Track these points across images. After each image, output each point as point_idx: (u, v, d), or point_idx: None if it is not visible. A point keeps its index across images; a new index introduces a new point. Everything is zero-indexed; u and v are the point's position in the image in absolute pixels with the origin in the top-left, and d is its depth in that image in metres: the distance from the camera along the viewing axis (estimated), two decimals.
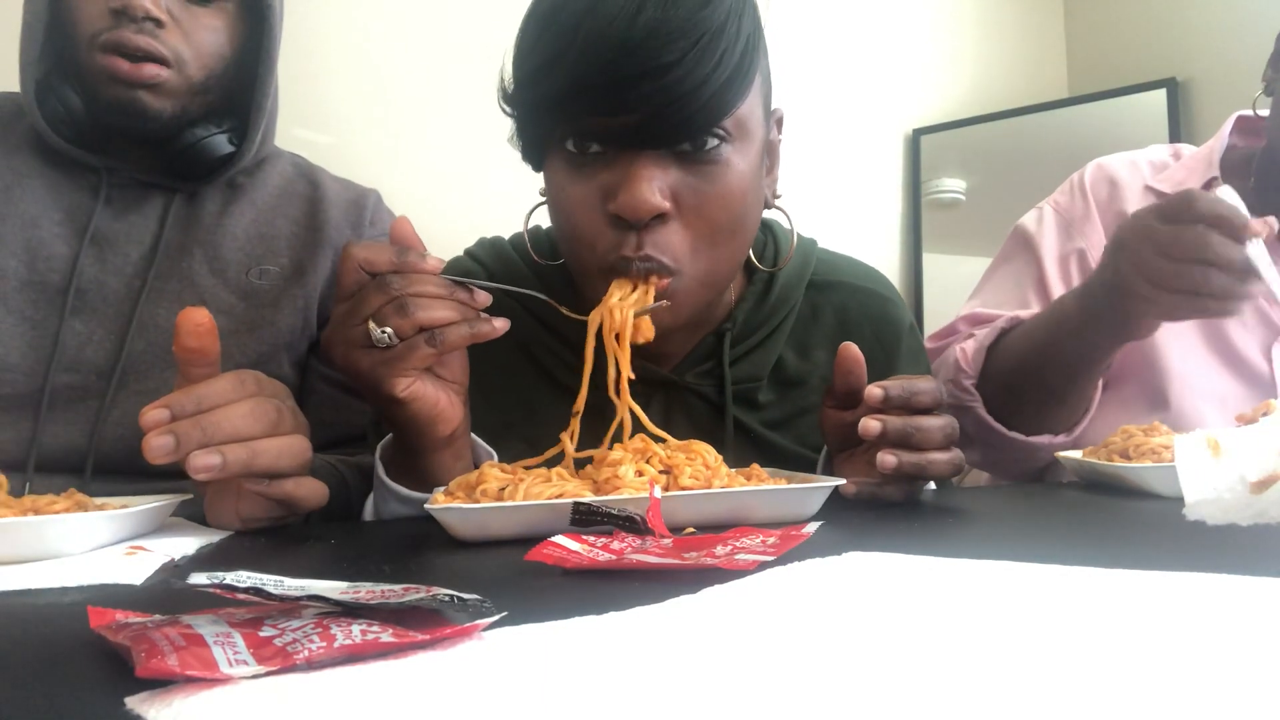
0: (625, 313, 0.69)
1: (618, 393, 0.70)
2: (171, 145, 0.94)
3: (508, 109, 0.74)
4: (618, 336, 0.70)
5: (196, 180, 0.97)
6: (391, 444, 0.74)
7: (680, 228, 0.70)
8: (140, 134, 0.92)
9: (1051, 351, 0.96)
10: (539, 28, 0.68)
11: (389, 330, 0.63)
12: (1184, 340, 1.07)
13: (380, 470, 0.73)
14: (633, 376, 0.69)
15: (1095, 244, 1.14)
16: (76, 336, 0.90)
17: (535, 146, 0.75)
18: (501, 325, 0.67)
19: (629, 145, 0.68)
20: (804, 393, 0.86)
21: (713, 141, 0.69)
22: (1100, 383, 1.03)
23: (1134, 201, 1.15)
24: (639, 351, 0.76)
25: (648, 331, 0.71)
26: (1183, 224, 0.80)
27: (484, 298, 0.66)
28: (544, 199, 0.78)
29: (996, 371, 1.01)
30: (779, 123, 0.83)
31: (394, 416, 0.68)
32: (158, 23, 0.87)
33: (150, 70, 0.87)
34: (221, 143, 0.96)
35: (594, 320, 0.70)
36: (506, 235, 0.93)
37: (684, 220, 0.70)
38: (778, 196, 0.83)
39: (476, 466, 0.69)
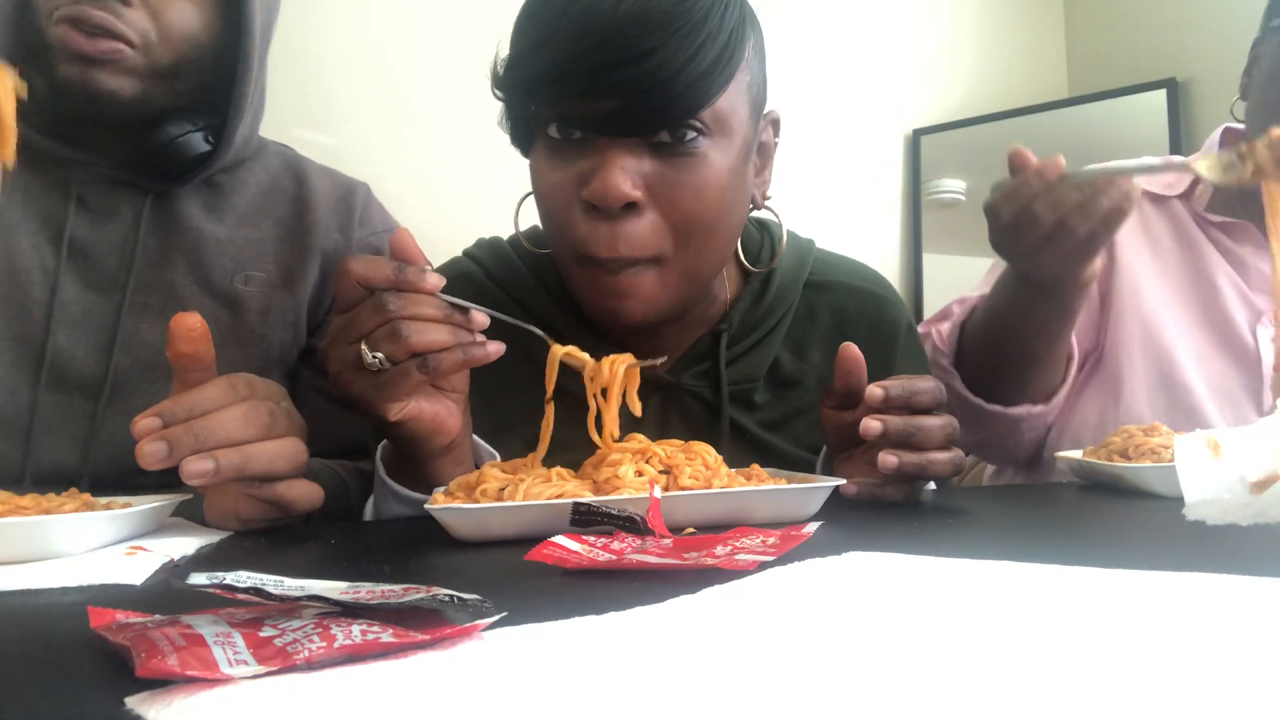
0: (616, 369, 0.67)
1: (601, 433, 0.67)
2: (143, 143, 0.88)
3: (498, 92, 0.76)
4: (605, 392, 0.68)
5: (170, 181, 0.92)
6: (392, 446, 0.74)
7: (654, 219, 0.71)
8: (103, 119, 0.86)
9: (1009, 322, 0.98)
10: (529, 13, 0.71)
11: (380, 355, 0.61)
12: (1175, 308, 1.12)
13: (381, 470, 0.73)
14: (616, 435, 0.67)
15: None
16: (60, 353, 0.87)
17: (522, 130, 0.76)
18: (496, 350, 0.65)
19: (607, 131, 0.69)
20: (800, 393, 0.86)
21: (690, 134, 0.70)
22: (1077, 352, 1.06)
23: None
24: (635, 348, 0.76)
25: (634, 389, 0.68)
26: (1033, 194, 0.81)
27: (481, 320, 0.65)
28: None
29: (970, 346, 1.04)
30: (774, 124, 0.83)
31: (390, 433, 0.68)
32: (124, 1, 0.81)
33: (106, 45, 0.81)
34: (196, 141, 0.90)
35: (554, 360, 0.67)
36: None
37: (659, 211, 0.71)
38: (768, 198, 0.83)
39: (478, 468, 0.69)
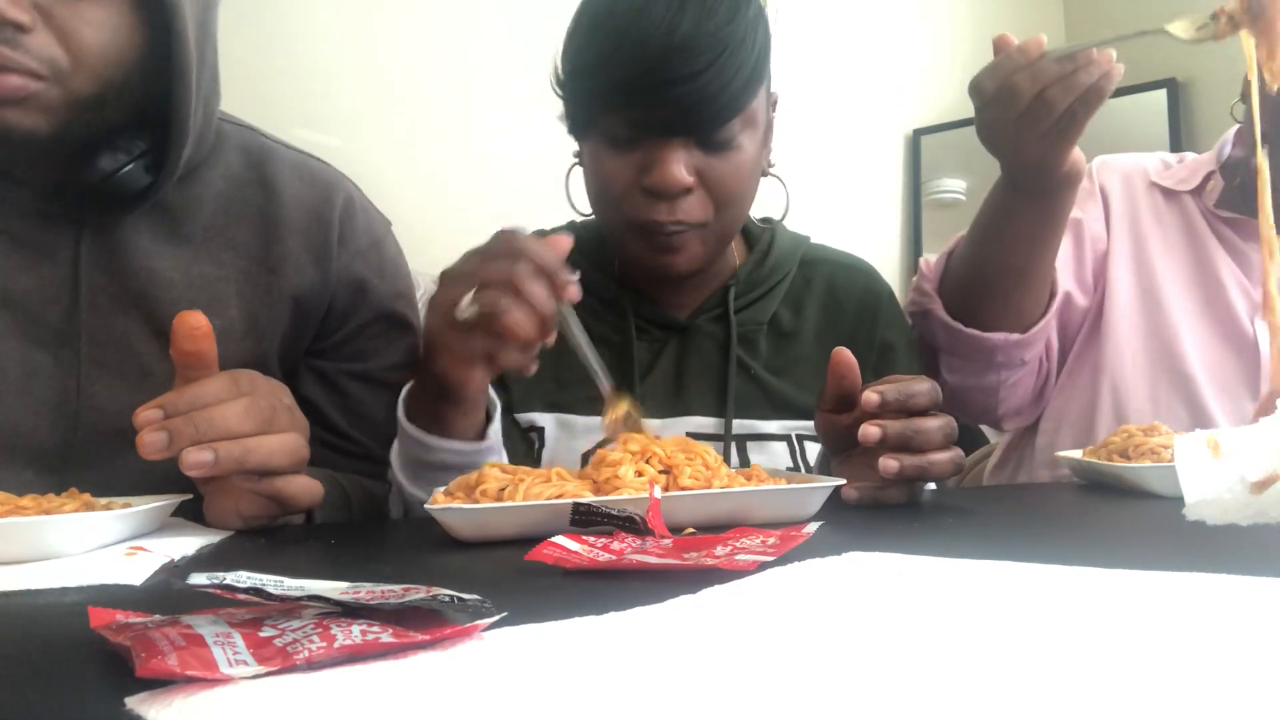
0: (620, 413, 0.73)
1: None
2: (72, 176, 0.75)
3: (559, 92, 0.89)
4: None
5: (108, 215, 0.79)
6: (413, 390, 0.79)
7: (701, 197, 0.85)
8: (24, 159, 0.74)
9: (994, 230, 0.99)
10: (590, 29, 0.83)
11: (474, 310, 0.66)
12: (1180, 298, 1.14)
13: (400, 410, 0.77)
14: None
15: (1093, 217, 1.20)
16: (7, 425, 0.76)
17: (579, 125, 0.89)
18: (533, 367, 0.73)
19: (664, 133, 0.81)
20: (798, 344, 0.98)
21: (729, 132, 0.83)
22: (1058, 289, 1.07)
23: (1139, 195, 1.22)
24: (660, 300, 0.97)
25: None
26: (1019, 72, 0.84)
27: (552, 338, 0.71)
28: (576, 160, 0.93)
29: (955, 269, 1.06)
30: (774, 104, 0.95)
31: (426, 363, 0.75)
32: (19, 26, 0.67)
33: (14, 83, 0.67)
34: (135, 175, 0.76)
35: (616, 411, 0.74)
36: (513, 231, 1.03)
37: (704, 191, 0.85)
38: (772, 165, 0.97)
39: (488, 414, 0.77)
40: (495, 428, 0.78)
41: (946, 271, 1.07)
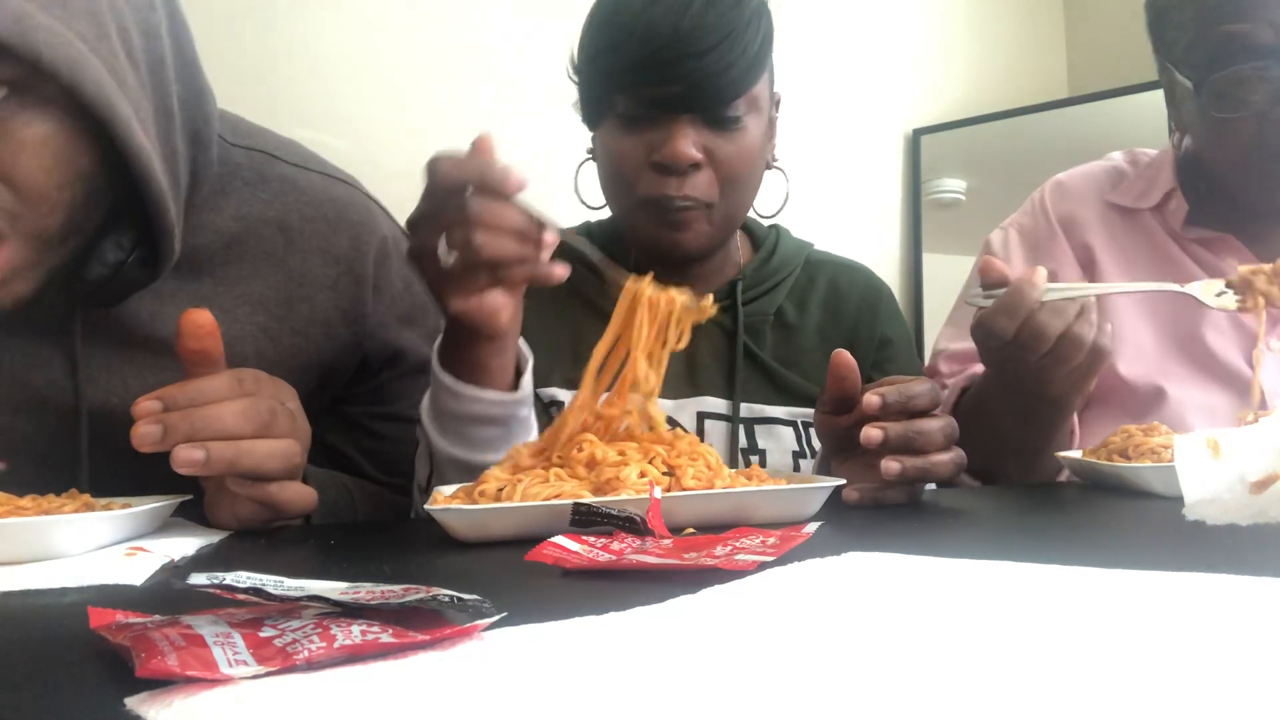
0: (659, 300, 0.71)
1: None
2: (62, 290, 0.67)
3: (574, 78, 0.94)
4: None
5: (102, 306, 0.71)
6: (445, 337, 0.76)
7: (709, 176, 0.89)
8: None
9: (1007, 425, 0.94)
10: (605, 17, 0.88)
11: (455, 254, 0.65)
12: (1165, 359, 1.06)
13: (435, 361, 0.75)
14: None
15: (1065, 263, 1.11)
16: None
17: (594, 109, 0.93)
18: (561, 272, 0.70)
19: (674, 110, 0.86)
20: (803, 336, 1.02)
21: (735, 111, 0.88)
22: (1077, 420, 1.02)
23: (1094, 219, 1.13)
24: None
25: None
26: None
27: (551, 239, 0.68)
28: (589, 155, 0.98)
29: (963, 437, 1.01)
30: (777, 104, 1.01)
31: (445, 314, 0.72)
32: None
33: None
34: (132, 273, 0.68)
35: (628, 294, 0.71)
36: None
37: (712, 170, 0.89)
38: (775, 160, 1.02)
39: (518, 366, 0.76)
40: (527, 379, 0.76)
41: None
